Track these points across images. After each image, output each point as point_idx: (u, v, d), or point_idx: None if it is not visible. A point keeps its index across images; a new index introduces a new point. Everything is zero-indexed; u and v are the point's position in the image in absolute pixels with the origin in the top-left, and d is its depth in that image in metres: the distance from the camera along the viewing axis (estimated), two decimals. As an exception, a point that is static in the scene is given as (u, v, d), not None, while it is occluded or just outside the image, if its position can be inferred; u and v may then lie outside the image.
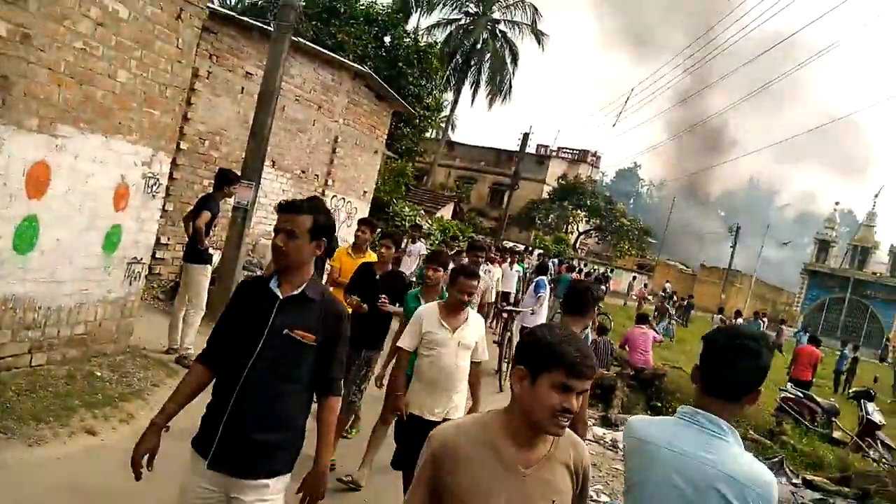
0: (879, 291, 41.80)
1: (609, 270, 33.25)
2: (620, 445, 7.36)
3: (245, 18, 10.04)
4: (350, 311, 4.31)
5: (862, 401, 12.59)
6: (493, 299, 10.73)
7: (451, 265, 4.88)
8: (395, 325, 5.30)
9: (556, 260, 27.10)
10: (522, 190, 47.17)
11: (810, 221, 54.29)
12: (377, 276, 5.40)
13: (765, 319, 26.00)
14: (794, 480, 8.61)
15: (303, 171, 11.98)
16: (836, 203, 46.11)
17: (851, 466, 8.92)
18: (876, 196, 43.12)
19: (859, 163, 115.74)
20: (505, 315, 11.25)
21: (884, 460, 10.06)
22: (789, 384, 13.42)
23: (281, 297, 2.45)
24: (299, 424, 2.53)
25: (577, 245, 46.23)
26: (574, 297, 4.30)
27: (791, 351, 18.43)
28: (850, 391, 14.20)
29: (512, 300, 12.22)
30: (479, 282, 4.29)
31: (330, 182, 12.80)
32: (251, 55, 9.89)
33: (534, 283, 10.90)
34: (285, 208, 2.52)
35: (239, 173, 8.07)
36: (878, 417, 12.33)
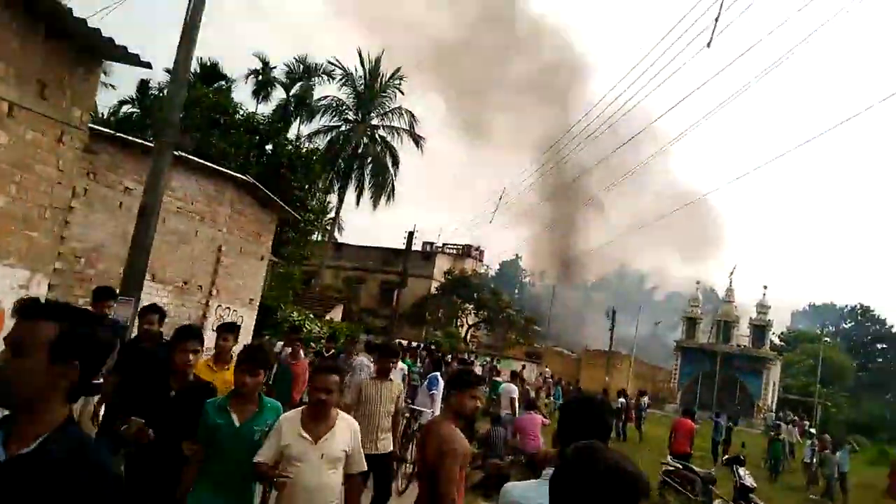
0: (745, 363, 45.24)
1: (496, 361, 33.97)
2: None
3: (124, 136, 10.13)
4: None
5: (734, 466, 13.57)
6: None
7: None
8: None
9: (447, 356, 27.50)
10: (411, 287, 47.87)
11: (677, 300, 58.48)
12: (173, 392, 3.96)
13: (645, 397, 27.48)
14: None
15: (185, 283, 11.82)
16: (697, 282, 50.17)
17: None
18: (731, 274, 47.48)
19: (714, 242, 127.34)
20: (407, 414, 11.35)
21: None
22: (669, 457, 14.22)
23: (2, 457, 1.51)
24: None
25: (468, 338, 47.05)
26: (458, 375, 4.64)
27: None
28: (723, 459, 15.17)
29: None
30: (340, 378, 3.72)
31: (214, 292, 12.66)
32: (130, 170, 9.93)
33: (427, 380, 11.16)
34: (18, 311, 1.68)
35: (118, 290, 7.95)
36: (749, 481, 13.27)
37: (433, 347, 22.29)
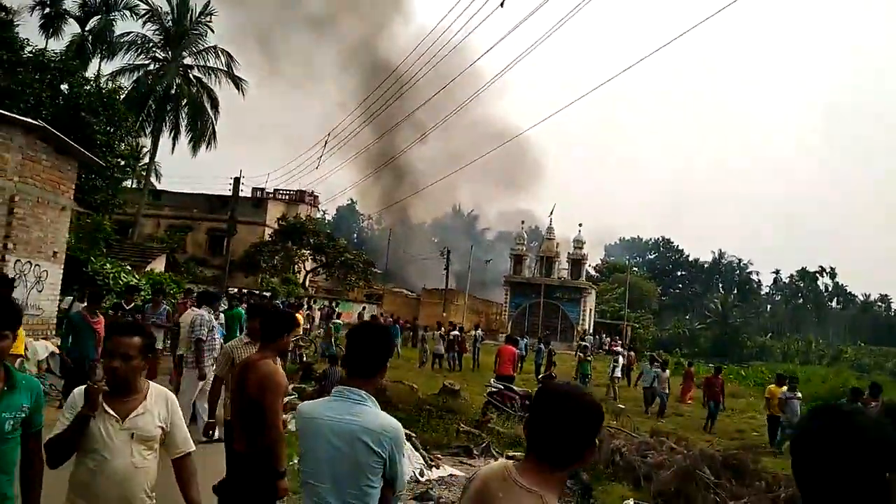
0: (565, 293, 49.33)
1: (335, 304, 34.22)
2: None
3: None
4: None
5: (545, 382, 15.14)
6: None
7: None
8: None
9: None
10: (244, 235, 46.19)
11: (508, 240, 61.87)
12: None
13: (479, 330, 29.33)
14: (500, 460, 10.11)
15: (-28, 237, 10.63)
16: (522, 222, 53.35)
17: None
18: (551, 213, 50.77)
19: (534, 179, 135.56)
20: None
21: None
22: (493, 380, 15.50)
23: None
24: None
25: (307, 284, 46.60)
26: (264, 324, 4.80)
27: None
28: (539, 378, 16.71)
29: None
30: (143, 339, 3.08)
31: (10, 246, 11.51)
32: None
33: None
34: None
35: None
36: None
37: (266, 295, 21.98)
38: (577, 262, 50.25)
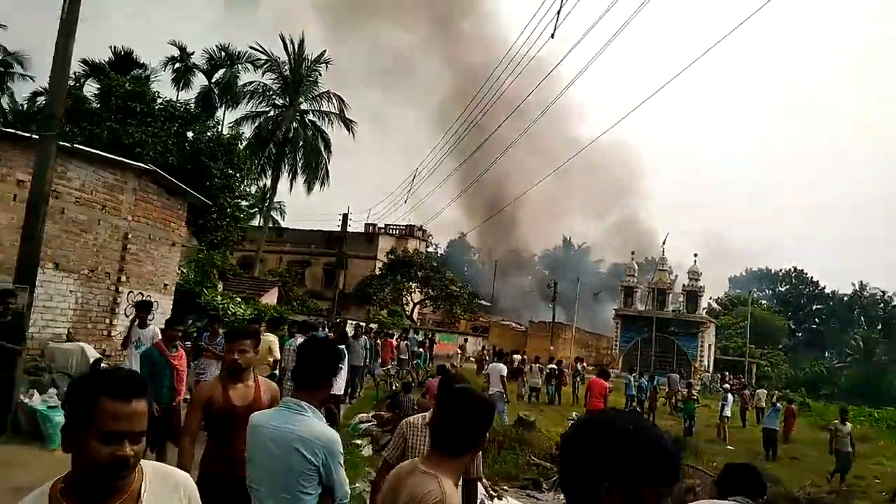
0: (680, 327, 47.11)
1: (432, 336, 34.76)
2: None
3: (9, 130, 10.27)
4: None
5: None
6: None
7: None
8: None
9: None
10: (356, 268, 48.30)
11: (619, 271, 60.17)
12: None
13: (580, 363, 28.71)
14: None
15: (91, 271, 12.04)
16: (633, 252, 51.69)
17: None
18: (663, 243, 48.98)
19: (645, 205, 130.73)
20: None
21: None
22: (574, 414, 15.21)
23: None
24: None
25: (416, 315, 47.77)
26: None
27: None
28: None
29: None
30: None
31: (123, 279, 12.90)
32: (21, 163, 10.08)
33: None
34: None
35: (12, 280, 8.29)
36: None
37: (339, 322, 22.84)
38: (692, 295, 47.95)
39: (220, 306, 17.89)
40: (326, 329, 19.96)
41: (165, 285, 14.38)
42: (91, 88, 26.94)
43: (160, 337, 7.42)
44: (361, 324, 22.88)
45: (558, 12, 10.15)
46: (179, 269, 19.29)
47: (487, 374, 16.75)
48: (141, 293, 13.54)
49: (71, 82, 27.57)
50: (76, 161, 11.41)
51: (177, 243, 14.63)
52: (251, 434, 3.15)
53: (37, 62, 32.99)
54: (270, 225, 50.31)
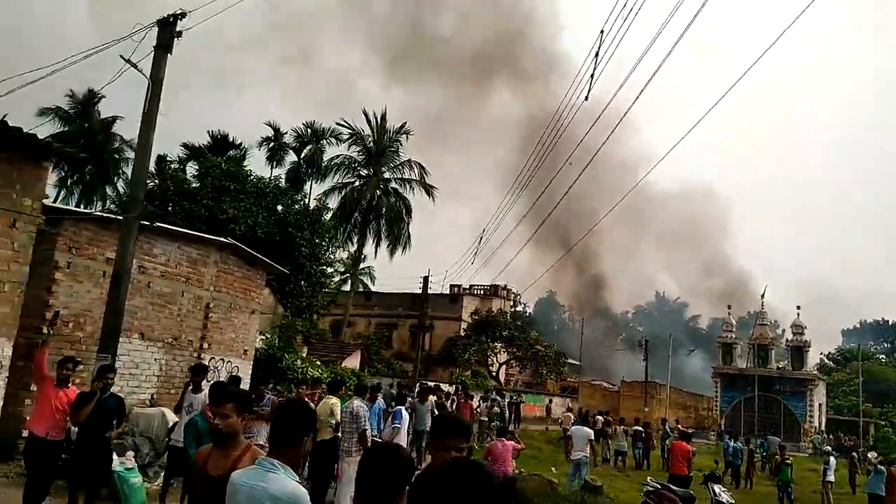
0: (785, 385, 44.11)
1: (516, 396, 34.27)
2: None
3: (100, 213, 11.52)
4: None
5: (709, 483, 13.84)
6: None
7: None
8: None
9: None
10: (440, 330, 48.75)
11: (717, 326, 57.43)
12: None
13: (666, 424, 27.50)
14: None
15: (174, 339, 13.03)
16: (729, 306, 49.35)
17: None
18: (762, 296, 46.54)
19: (738, 258, 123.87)
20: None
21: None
22: (650, 478, 14.53)
23: None
24: None
25: (503, 376, 47.29)
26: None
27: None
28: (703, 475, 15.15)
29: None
30: None
31: (205, 346, 13.84)
32: (111, 244, 11.23)
33: (392, 413, 11.97)
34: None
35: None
36: (725, 498, 13.55)
37: (402, 383, 22.92)
38: (797, 350, 44.94)
39: (301, 370, 18.66)
40: (403, 391, 20.26)
41: (245, 351, 15.26)
42: (192, 170, 29.52)
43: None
44: (402, 383, 22.92)
45: (592, 75, 10.32)
46: (263, 334, 20.41)
47: (570, 437, 16.35)
48: (222, 359, 14.45)
49: (175, 164, 30.43)
50: (162, 238, 12.58)
51: (256, 311, 15.56)
52: (228, 490, 3.46)
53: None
54: (359, 290, 52.02)
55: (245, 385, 15.42)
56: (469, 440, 2.69)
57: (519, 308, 70.17)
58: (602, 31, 10.02)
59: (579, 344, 63.65)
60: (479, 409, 24.87)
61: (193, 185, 25.78)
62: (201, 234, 13.81)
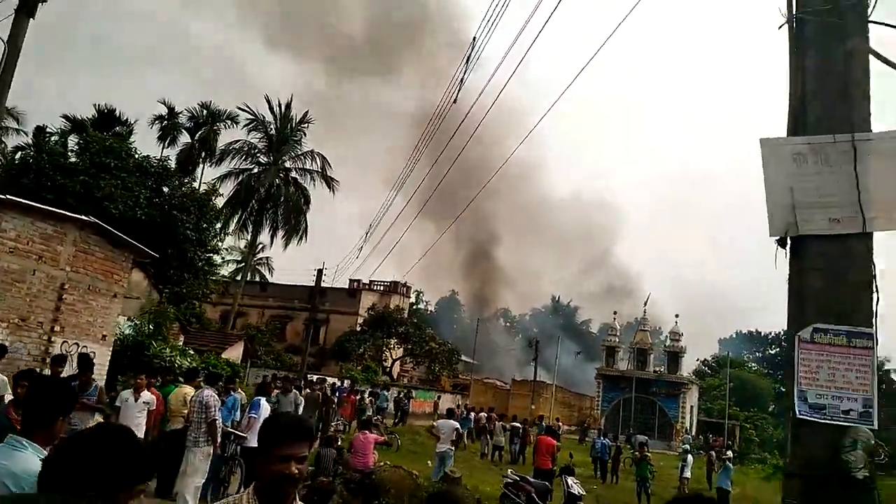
0: (661, 388, 46.81)
1: (407, 392, 34.61)
2: None
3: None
4: None
5: (564, 476, 14.54)
6: None
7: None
8: None
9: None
10: (337, 324, 48.40)
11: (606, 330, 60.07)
12: None
13: (543, 421, 28.52)
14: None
15: (22, 320, 12.32)
16: (615, 312, 51.84)
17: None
18: (645, 303, 49.18)
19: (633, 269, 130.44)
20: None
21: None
22: (509, 471, 15.11)
23: None
24: None
25: (396, 372, 47.51)
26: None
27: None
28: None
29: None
30: None
31: (57, 328, 13.14)
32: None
33: (250, 404, 11.83)
34: None
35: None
36: (576, 489, 14.28)
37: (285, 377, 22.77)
38: (674, 355, 47.85)
39: (169, 358, 18.04)
40: (276, 382, 19.94)
41: (104, 336, 14.59)
42: (73, 145, 27.80)
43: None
44: (289, 376, 22.79)
45: (461, 80, 10.64)
46: (132, 320, 19.55)
47: (435, 429, 16.72)
48: (77, 343, 13.76)
49: (55, 137, 28.61)
50: (12, 212, 11.84)
51: (118, 294, 14.92)
52: None
53: (31, 119, 34.11)
54: (254, 280, 50.76)
55: (103, 372, 14.78)
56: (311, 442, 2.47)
57: (421, 306, 70.67)
58: (475, 38, 10.35)
59: (478, 344, 64.91)
60: (365, 403, 25.04)
61: (72, 159, 24.33)
62: (58, 211, 13.10)
